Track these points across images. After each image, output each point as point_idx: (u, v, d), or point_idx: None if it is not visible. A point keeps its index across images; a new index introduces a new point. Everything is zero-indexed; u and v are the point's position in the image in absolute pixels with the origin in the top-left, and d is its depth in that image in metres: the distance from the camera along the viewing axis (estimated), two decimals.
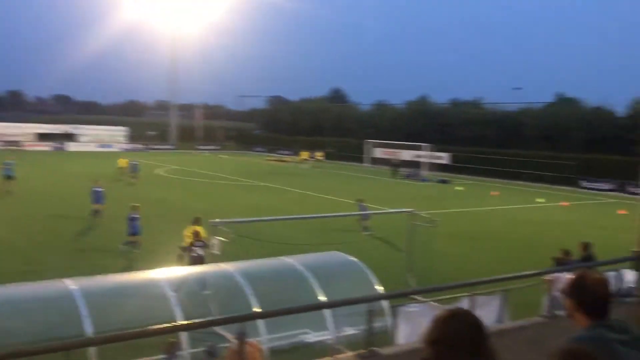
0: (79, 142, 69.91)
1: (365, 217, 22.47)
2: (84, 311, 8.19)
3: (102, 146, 69.42)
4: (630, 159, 43.85)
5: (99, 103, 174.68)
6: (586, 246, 14.11)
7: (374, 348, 4.86)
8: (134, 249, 18.50)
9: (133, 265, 16.40)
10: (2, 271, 15.07)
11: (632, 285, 9.11)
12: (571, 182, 45.74)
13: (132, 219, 18.93)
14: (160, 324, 5.83)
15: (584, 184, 45.28)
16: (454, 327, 2.35)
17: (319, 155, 58.67)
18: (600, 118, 48.85)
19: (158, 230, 22.46)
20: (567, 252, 13.75)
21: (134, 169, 37.09)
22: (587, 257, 13.80)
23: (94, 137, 71.64)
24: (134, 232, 18.78)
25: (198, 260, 14.64)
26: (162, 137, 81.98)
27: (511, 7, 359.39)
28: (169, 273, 10.46)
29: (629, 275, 9.51)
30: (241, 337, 4.57)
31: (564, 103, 56.72)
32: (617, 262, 7.36)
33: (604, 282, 2.99)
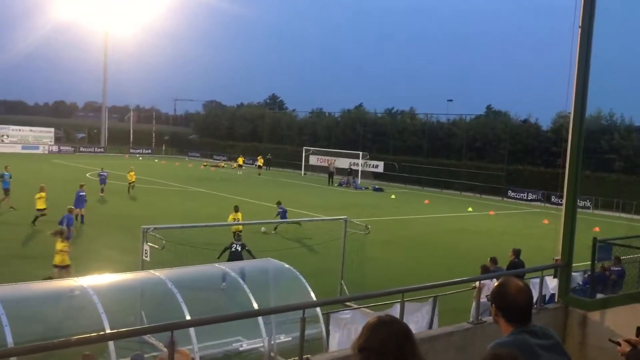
0: (2, 143, 66.69)
1: (283, 218, 23.85)
2: (4, 320, 7.78)
3: (28, 147, 66.51)
4: (554, 170, 45.97)
5: (26, 103, 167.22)
6: (517, 252, 14.66)
7: (308, 356, 4.85)
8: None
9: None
10: None
11: (554, 292, 9.52)
12: (499, 192, 47.47)
13: (62, 222, 18.81)
14: (87, 333, 5.62)
15: (511, 194, 47.08)
16: (381, 334, 2.41)
17: (260, 161, 58.34)
18: (526, 131, 51.01)
19: (88, 237, 21.71)
20: (494, 260, 14.23)
21: (102, 180, 32.22)
22: (517, 263, 14.34)
23: (19, 138, 68.54)
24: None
25: (237, 256, 14.60)
26: (92, 140, 79.41)
27: (446, 20, 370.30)
28: (95, 280, 10.09)
29: (552, 282, 9.94)
30: (171, 345, 4.46)
31: (493, 115, 58.89)
32: (540, 270, 7.66)
33: (524, 290, 3.06)
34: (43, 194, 22.93)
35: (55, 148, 69.54)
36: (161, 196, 33.68)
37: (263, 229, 23.82)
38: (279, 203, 25.03)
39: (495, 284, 3.19)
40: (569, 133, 6.49)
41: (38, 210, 22.80)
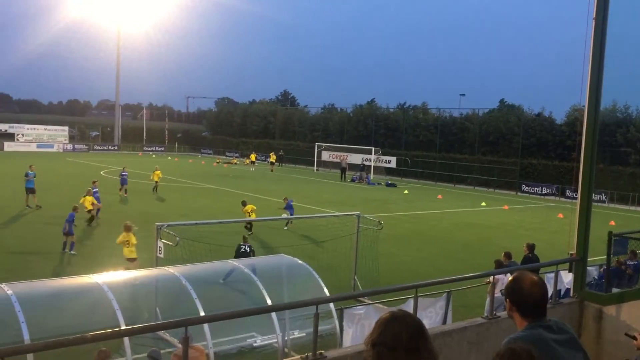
0: (18, 141, 67.38)
1: (290, 214, 24.00)
2: (21, 317, 7.87)
3: (43, 146, 67.14)
4: (569, 164, 45.59)
5: (41, 102, 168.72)
6: (531, 247, 14.56)
7: (321, 351, 4.86)
8: (65, 250, 18.41)
9: (72, 269, 15.90)
10: None
11: (569, 287, 9.45)
12: (513, 186, 47.18)
13: (70, 220, 18.73)
14: (102, 329, 5.67)
15: (525, 188, 46.78)
16: (394, 329, 2.40)
17: (272, 157, 58.34)
18: (540, 124, 50.59)
19: (102, 234, 21.88)
20: (508, 255, 14.15)
21: (123, 181, 31.34)
22: (531, 258, 14.25)
23: (34, 137, 69.21)
24: (69, 233, 18.65)
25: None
26: (106, 138, 79.97)
27: (458, 14, 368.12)
28: (109, 277, 10.17)
29: (567, 277, 9.87)
30: (185, 341, 4.48)
31: (507, 109, 58.48)
32: (554, 264, 7.61)
33: (539, 284, 3.03)
34: (89, 199, 23.22)
35: (69, 146, 70.12)
36: (175, 193, 33.83)
37: (285, 227, 23.96)
38: (285, 198, 25.34)
39: (510, 278, 3.17)
40: (583, 126, 6.43)
41: (88, 211, 23.07)
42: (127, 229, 15.55)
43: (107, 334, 4.30)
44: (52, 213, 23.94)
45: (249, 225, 22.06)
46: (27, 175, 26.74)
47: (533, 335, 2.90)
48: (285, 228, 23.95)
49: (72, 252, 18.39)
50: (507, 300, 3.07)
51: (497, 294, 13.18)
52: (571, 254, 7.08)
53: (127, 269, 14.21)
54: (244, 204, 22.69)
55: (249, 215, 21.82)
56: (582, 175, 6.37)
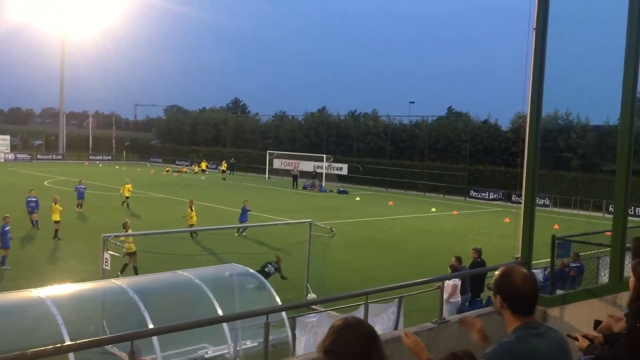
0: None
1: (242, 217, 24.78)
2: None
3: None
4: (514, 169, 46.89)
5: None
6: (479, 251, 14.88)
7: None
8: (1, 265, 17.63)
9: (12, 284, 15.29)
10: None
11: None
12: (462, 192, 48.22)
13: (3, 232, 17.81)
14: (46, 345, 5.45)
15: (473, 193, 47.85)
16: (346, 337, 2.39)
17: (224, 166, 57.89)
18: (487, 131, 51.93)
19: (47, 246, 21.18)
20: (459, 259, 14.42)
21: (80, 195, 29.74)
22: (479, 263, 14.56)
23: None
24: (4, 246, 17.74)
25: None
26: (50, 147, 77.57)
27: (407, 23, 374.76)
28: (53, 291, 9.83)
29: None
30: (131, 356, 4.36)
31: (454, 117, 59.81)
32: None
33: (531, 278, 2.90)
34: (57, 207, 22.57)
35: (11, 156, 67.66)
36: (121, 203, 33.05)
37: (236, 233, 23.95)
38: (245, 201, 25.61)
39: (497, 273, 2.96)
40: (526, 133, 6.62)
41: (55, 222, 22.37)
42: (126, 226, 17.23)
43: (50, 350, 4.14)
44: None
45: (194, 235, 22.02)
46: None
47: (524, 347, 2.77)
48: (237, 235, 23.77)
49: (4, 267, 17.48)
50: (498, 296, 2.89)
51: (454, 299, 13.42)
52: (516, 258, 7.26)
53: (129, 263, 16.27)
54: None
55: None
56: (526, 180, 6.54)
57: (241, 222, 24.19)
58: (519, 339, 2.80)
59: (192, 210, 23.70)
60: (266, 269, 15.12)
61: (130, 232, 16.83)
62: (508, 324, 2.88)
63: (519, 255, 7.09)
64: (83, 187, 30.05)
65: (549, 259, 10.16)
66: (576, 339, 4.32)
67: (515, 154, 47.85)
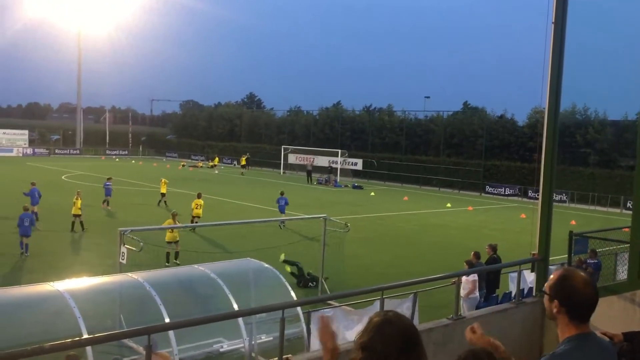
0: None
1: (281, 211, 26.03)
2: None
3: (1, 150, 65.37)
4: (531, 165, 46.51)
5: None
6: (494, 248, 14.79)
7: (288, 355, 4.82)
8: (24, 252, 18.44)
9: (35, 278, 15.50)
10: None
11: (532, 286, 9.62)
12: (477, 187, 47.93)
13: (23, 219, 18.60)
14: (64, 338, 5.52)
15: (489, 189, 47.55)
16: (386, 333, 2.29)
17: (242, 160, 58.07)
18: (503, 126, 51.53)
19: (59, 241, 21.42)
20: (477, 255, 14.34)
21: (107, 192, 29.64)
22: (495, 259, 14.48)
23: None
24: (24, 234, 18.54)
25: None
26: (67, 142, 78.32)
27: (423, 17, 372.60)
28: (71, 284, 9.94)
29: (529, 277, 10.04)
30: (149, 350, 4.40)
31: (470, 112, 59.39)
32: (518, 265, 7.73)
33: (591, 283, 2.72)
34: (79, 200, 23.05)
35: (29, 150, 68.44)
36: (138, 198, 33.32)
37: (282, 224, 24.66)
38: (282, 193, 26.90)
39: (554, 276, 2.78)
40: (543, 128, 6.55)
41: (74, 216, 22.86)
42: (175, 217, 18.85)
43: (68, 343, 4.19)
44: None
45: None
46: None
47: (583, 354, 2.64)
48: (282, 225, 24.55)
49: (26, 253, 18.36)
50: (555, 301, 2.70)
51: (472, 295, 13.36)
52: (533, 254, 7.20)
53: (172, 249, 18.01)
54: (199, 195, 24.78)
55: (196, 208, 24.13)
56: (543, 176, 6.48)
57: (281, 213, 25.98)
58: (574, 350, 2.66)
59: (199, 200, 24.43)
60: (298, 266, 15.51)
61: (170, 224, 17.95)
62: (562, 331, 2.72)
63: (536, 251, 7.04)
64: (110, 183, 29.81)
65: (566, 256, 10.06)
66: None
67: (532, 149, 47.48)
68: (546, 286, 2.78)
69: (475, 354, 2.60)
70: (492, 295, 14.02)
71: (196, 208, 24.00)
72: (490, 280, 14.13)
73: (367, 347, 2.28)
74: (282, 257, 16.56)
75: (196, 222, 23.02)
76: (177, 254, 18.18)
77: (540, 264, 7.01)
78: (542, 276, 6.91)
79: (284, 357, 4.78)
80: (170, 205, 30.40)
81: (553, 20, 6.08)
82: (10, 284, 13.75)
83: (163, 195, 30.90)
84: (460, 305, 8.17)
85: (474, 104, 63.54)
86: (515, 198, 44.78)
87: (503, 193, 46.37)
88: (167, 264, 17.15)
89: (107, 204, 29.08)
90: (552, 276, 2.79)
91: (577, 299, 2.66)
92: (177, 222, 18.58)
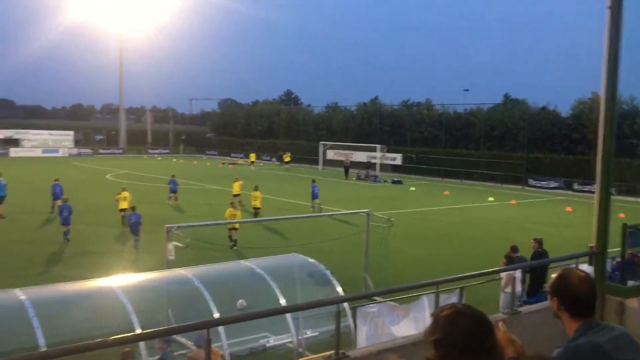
0: (23, 147, 67.54)
1: (315, 197, 29.17)
2: (35, 322, 7.85)
3: (48, 151, 67.29)
4: (576, 157, 45.33)
5: (44, 107, 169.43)
6: (540, 242, 14.48)
7: (344, 350, 4.80)
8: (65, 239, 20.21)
9: (84, 274, 15.91)
10: None
11: None
12: (519, 180, 47.00)
13: (62, 210, 20.67)
14: (117, 332, 5.63)
15: (532, 182, 46.58)
16: (464, 326, 2.17)
17: (287, 157, 58.50)
18: (545, 118, 50.35)
19: (103, 238, 21.89)
20: (514, 249, 14.06)
21: (173, 188, 30.62)
22: (541, 253, 14.17)
23: (39, 142, 69.38)
24: (65, 222, 20.50)
25: None
26: (111, 141, 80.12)
27: (460, 9, 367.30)
28: (122, 280, 10.16)
29: (586, 270, 9.78)
30: (208, 344, 4.44)
31: (511, 104, 58.25)
32: (574, 258, 7.54)
33: (588, 280, 2.90)
34: (126, 194, 24.05)
35: (74, 151, 70.26)
36: (183, 195, 33.79)
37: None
38: (314, 181, 29.84)
39: (554, 276, 2.98)
40: (599, 119, 6.35)
41: (121, 210, 23.77)
42: (234, 205, 20.51)
43: (129, 337, 4.27)
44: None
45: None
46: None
47: (590, 345, 2.72)
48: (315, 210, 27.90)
49: (65, 238, 20.26)
50: (554, 298, 2.88)
51: (510, 289, 13.13)
52: (590, 247, 7.01)
53: (232, 235, 19.83)
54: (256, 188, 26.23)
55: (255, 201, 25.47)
56: (601, 167, 6.29)
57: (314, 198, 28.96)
58: (582, 337, 2.76)
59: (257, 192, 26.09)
60: None
61: (231, 213, 19.69)
62: (567, 326, 2.87)
63: (593, 244, 6.85)
64: (176, 180, 31.18)
65: (617, 249, 9.76)
66: None
67: (577, 141, 46.30)
68: (548, 285, 3.02)
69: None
70: (540, 290, 13.73)
71: (254, 200, 25.37)
72: (536, 275, 13.84)
73: (444, 343, 2.16)
74: None
75: (257, 213, 24.90)
76: (235, 241, 19.63)
77: (598, 257, 6.82)
78: (600, 269, 6.73)
79: (339, 351, 4.76)
80: (214, 201, 30.79)
81: (609, 5, 5.88)
82: (64, 280, 14.13)
83: (236, 195, 30.37)
84: (511, 299, 8.01)
85: (515, 95, 62.39)
86: (560, 191, 43.75)
87: (547, 186, 45.36)
88: (231, 243, 19.58)
89: (175, 200, 30.42)
90: (552, 276, 3.02)
91: (572, 295, 2.83)
92: (238, 211, 20.49)
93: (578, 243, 18.83)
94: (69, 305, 9.38)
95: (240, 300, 10.73)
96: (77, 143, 74.74)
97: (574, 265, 9.64)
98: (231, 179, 32.64)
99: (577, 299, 2.82)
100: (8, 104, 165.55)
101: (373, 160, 53.24)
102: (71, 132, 74.48)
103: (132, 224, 19.98)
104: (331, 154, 59.00)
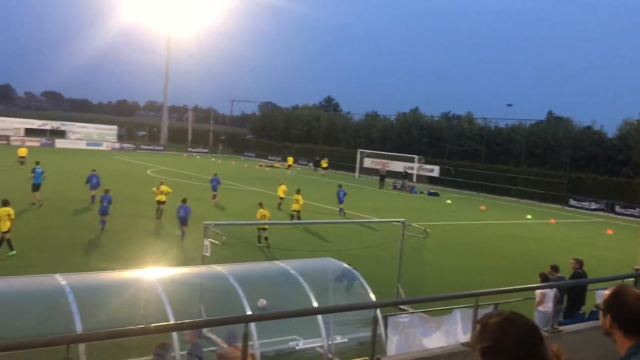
0: (68, 139, 69.40)
1: (340, 202, 29.63)
2: (74, 308, 8.03)
3: (92, 144, 68.96)
4: (620, 179, 44.18)
5: (90, 101, 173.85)
6: (580, 262, 14.14)
7: (378, 356, 4.77)
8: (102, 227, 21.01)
9: (118, 263, 16.23)
10: None
11: None
12: (559, 200, 46.03)
13: (103, 200, 21.54)
14: (150, 323, 5.72)
15: (573, 202, 45.56)
16: (513, 334, 2.09)
17: (324, 163, 58.77)
18: (590, 138, 49.23)
19: (139, 229, 22.28)
20: (555, 268, 13.78)
21: (214, 186, 31.34)
22: (580, 274, 13.84)
23: (84, 135, 71.19)
24: (103, 212, 21.30)
25: None
26: (153, 138, 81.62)
27: (506, 23, 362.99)
28: (160, 273, 10.32)
29: None
30: (245, 338, 4.47)
31: (555, 121, 57.14)
32: (620, 279, 7.35)
33: None
34: (164, 188, 24.64)
35: (117, 145, 71.83)
36: (220, 194, 34.15)
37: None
38: (340, 186, 30.20)
39: (608, 292, 2.93)
40: None
41: (159, 203, 24.25)
42: (262, 205, 20.86)
43: (170, 325, 4.33)
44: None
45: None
46: (34, 171, 25.96)
47: None
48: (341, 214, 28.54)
49: (102, 226, 21.06)
50: (608, 316, 2.82)
51: (545, 308, 12.86)
52: (636, 269, 6.82)
53: (261, 234, 20.11)
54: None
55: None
56: None
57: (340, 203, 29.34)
58: (635, 356, 2.67)
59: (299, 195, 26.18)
60: None
61: (262, 213, 20.13)
62: (619, 344, 2.78)
63: (639, 266, 6.66)
64: (218, 178, 31.77)
65: None
66: None
67: (622, 162, 45.15)
68: (601, 302, 2.90)
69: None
70: (577, 312, 13.40)
71: (295, 203, 25.61)
72: (574, 296, 13.51)
73: (493, 351, 2.09)
74: None
75: (296, 215, 25.28)
76: (266, 239, 19.93)
77: None
78: None
79: (375, 357, 4.73)
80: (251, 202, 31.04)
81: None
82: (99, 269, 14.45)
83: (281, 199, 30.87)
84: (546, 318, 7.86)
85: (559, 113, 61.24)
86: (601, 213, 42.66)
87: (588, 207, 44.28)
88: (258, 244, 19.70)
89: (214, 197, 30.92)
90: (605, 292, 2.94)
91: (627, 312, 2.76)
92: (267, 211, 20.80)
93: (619, 266, 18.33)
94: (107, 294, 9.57)
95: (260, 300, 10.79)
96: (120, 138, 76.38)
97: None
98: (268, 182, 32.92)
99: (633, 316, 2.75)
100: (56, 96, 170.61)
101: (410, 171, 52.88)
102: (115, 127, 76.25)
103: (182, 216, 20.79)
104: (368, 162, 58.87)
